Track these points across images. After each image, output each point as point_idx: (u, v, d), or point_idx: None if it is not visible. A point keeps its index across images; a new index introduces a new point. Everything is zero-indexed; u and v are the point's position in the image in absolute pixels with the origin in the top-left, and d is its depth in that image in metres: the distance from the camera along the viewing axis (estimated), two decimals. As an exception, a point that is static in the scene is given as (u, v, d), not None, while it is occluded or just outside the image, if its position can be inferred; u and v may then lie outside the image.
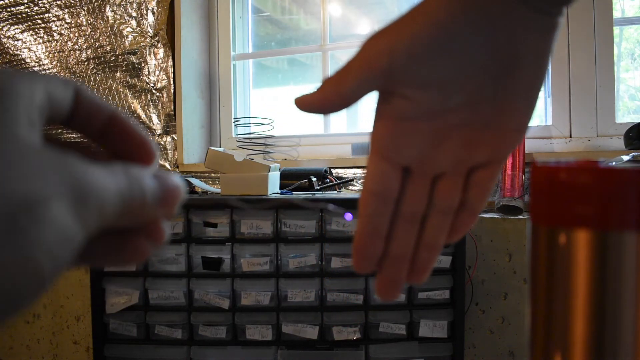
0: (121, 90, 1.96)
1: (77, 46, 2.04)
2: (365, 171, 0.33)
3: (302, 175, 1.52)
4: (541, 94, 0.31)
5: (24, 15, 2.11)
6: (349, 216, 1.21)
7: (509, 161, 1.44)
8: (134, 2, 1.93)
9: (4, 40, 2.14)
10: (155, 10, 1.90)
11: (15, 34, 2.14)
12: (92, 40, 2.01)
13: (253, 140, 1.87)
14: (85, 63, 2.02)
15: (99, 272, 1.28)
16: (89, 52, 2.02)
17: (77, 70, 2.03)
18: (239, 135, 1.92)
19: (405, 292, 1.23)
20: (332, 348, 1.24)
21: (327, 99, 0.30)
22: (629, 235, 0.20)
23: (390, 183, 0.32)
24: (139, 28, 1.93)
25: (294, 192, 1.43)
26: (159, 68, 1.91)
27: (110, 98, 1.96)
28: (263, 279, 1.25)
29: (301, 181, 1.49)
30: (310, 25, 1.99)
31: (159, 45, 1.90)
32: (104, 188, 0.18)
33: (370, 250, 0.33)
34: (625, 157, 1.23)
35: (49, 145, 0.17)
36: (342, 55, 1.91)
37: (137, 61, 1.94)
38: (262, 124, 1.87)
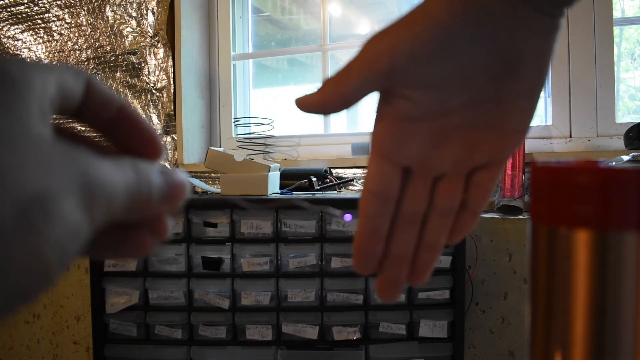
0: (121, 90, 1.96)
1: (77, 46, 2.04)
2: (365, 171, 0.33)
3: (302, 175, 1.52)
4: (541, 94, 0.31)
5: (24, 15, 2.11)
6: (348, 217, 1.21)
7: (509, 161, 1.44)
8: (134, 2, 1.93)
9: (4, 40, 2.14)
10: (155, 10, 1.90)
11: (15, 34, 2.14)
12: (92, 40, 2.01)
13: (253, 140, 1.87)
14: (85, 63, 2.02)
15: (99, 272, 1.28)
16: (89, 52, 2.02)
17: (77, 70, 2.03)
18: (239, 135, 1.92)
19: (405, 292, 1.23)
20: (332, 348, 1.24)
21: (327, 100, 0.30)
22: (629, 235, 0.20)
23: (391, 183, 0.32)
24: (139, 28, 1.93)
25: (294, 192, 1.43)
26: (159, 68, 1.91)
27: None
28: (263, 279, 1.25)
29: (301, 181, 1.49)
30: (310, 25, 1.99)
31: (159, 45, 1.90)
32: (112, 183, 0.18)
33: (370, 251, 0.33)
34: (625, 157, 1.23)
35: (59, 137, 0.17)
36: (342, 55, 1.91)
37: (137, 61, 1.94)
38: (262, 124, 1.87)
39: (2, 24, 2.14)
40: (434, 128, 0.31)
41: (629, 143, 1.34)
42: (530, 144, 1.55)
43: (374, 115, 0.32)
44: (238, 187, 1.33)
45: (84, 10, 2.01)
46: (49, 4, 2.07)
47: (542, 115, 1.61)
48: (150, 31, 1.91)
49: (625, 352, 0.20)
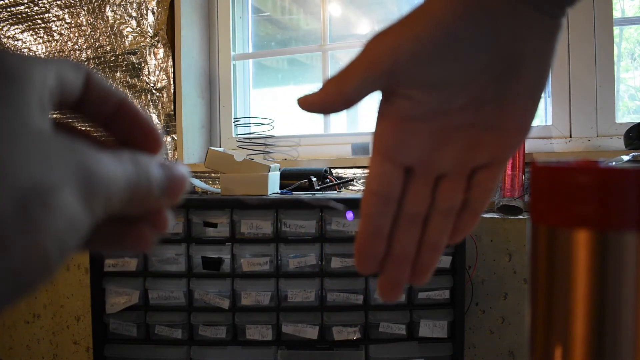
0: (121, 90, 1.96)
1: (77, 46, 2.04)
2: (367, 171, 0.33)
3: (302, 175, 1.52)
4: (542, 94, 0.31)
5: (24, 15, 2.11)
6: (350, 216, 1.21)
7: (509, 161, 1.44)
8: (134, 2, 1.93)
9: (4, 40, 2.14)
10: (155, 10, 1.90)
11: (15, 34, 2.14)
12: (92, 40, 2.01)
13: (253, 140, 1.87)
14: (85, 63, 2.02)
15: (99, 272, 1.28)
16: (89, 52, 2.02)
17: (77, 70, 2.03)
18: (239, 135, 1.92)
19: (405, 292, 1.23)
20: (332, 348, 1.24)
21: (329, 99, 0.30)
22: (629, 235, 0.20)
23: (393, 183, 0.32)
24: (139, 28, 1.93)
25: (294, 192, 1.43)
26: (159, 68, 1.91)
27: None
28: (263, 279, 1.25)
29: (301, 181, 1.50)
30: (310, 25, 1.99)
31: (159, 45, 1.90)
32: (112, 176, 0.18)
33: (372, 251, 0.33)
34: (625, 157, 1.23)
35: (58, 131, 0.17)
36: (342, 55, 1.91)
37: (137, 61, 1.94)
38: (262, 124, 1.87)
39: (2, 24, 2.14)
40: (436, 128, 0.31)
41: (629, 143, 1.34)
42: (530, 144, 1.55)
43: (375, 115, 0.32)
44: (238, 187, 1.33)
45: (84, 10, 2.01)
46: (49, 4, 2.07)
47: (542, 115, 1.61)
48: (150, 31, 1.91)
49: (625, 352, 0.20)
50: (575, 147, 1.53)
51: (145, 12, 1.92)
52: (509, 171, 1.43)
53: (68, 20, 2.05)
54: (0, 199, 0.14)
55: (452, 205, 0.33)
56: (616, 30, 1.56)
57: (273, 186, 1.36)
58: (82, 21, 2.02)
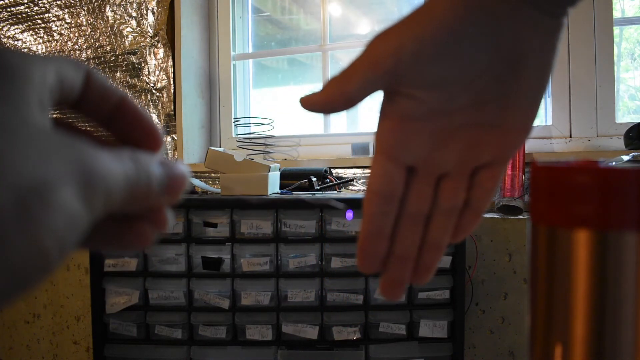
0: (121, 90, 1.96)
1: (77, 46, 2.04)
2: (369, 171, 0.33)
3: (302, 175, 1.52)
4: (544, 94, 0.31)
5: (24, 15, 2.11)
6: (349, 215, 1.21)
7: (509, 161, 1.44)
8: (134, 2, 1.93)
9: (4, 40, 2.14)
10: (155, 10, 1.90)
11: (15, 34, 2.14)
12: (92, 40, 2.01)
13: (253, 140, 1.87)
14: (85, 63, 2.01)
15: (99, 272, 1.28)
16: (89, 52, 2.02)
17: (77, 70, 2.03)
18: (239, 135, 1.92)
19: (405, 292, 1.23)
20: (332, 348, 1.24)
21: (332, 99, 0.30)
22: (629, 235, 0.20)
23: (395, 183, 0.32)
24: (139, 28, 1.93)
25: (294, 192, 1.43)
26: (159, 68, 1.91)
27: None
28: (263, 279, 1.25)
29: (301, 181, 1.50)
30: (310, 25, 1.99)
31: (159, 45, 1.90)
32: (111, 173, 0.18)
33: (374, 250, 0.33)
34: (625, 157, 1.23)
35: (58, 129, 0.17)
36: (342, 55, 1.91)
37: (137, 61, 1.94)
38: (262, 124, 1.87)
39: (2, 24, 2.15)
40: (438, 127, 0.31)
41: (629, 143, 1.34)
42: (530, 144, 1.55)
43: (378, 114, 0.32)
44: (238, 187, 1.33)
45: (84, 10, 2.01)
46: (49, 4, 2.07)
47: (542, 115, 1.61)
48: (150, 31, 1.91)
49: (625, 352, 0.20)
50: (575, 147, 1.53)
51: (145, 12, 1.92)
52: (509, 171, 1.43)
53: (68, 20, 2.05)
54: None
55: (454, 204, 0.33)
56: (616, 30, 1.56)
57: (273, 186, 1.36)
58: (82, 21, 2.02)
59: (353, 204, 1.19)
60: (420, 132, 0.31)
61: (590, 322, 0.21)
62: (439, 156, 0.32)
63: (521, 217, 1.42)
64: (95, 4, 1.99)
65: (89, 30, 2.01)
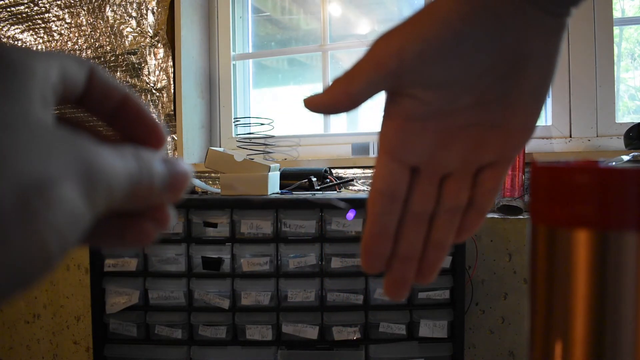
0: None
1: (77, 46, 2.04)
2: (373, 171, 0.33)
3: (302, 175, 1.52)
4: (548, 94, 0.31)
5: (24, 15, 2.11)
6: (349, 215, 1.21)
7: (509, 161, 1.44)
8: (134, 2, 1.93)
9: (4, 40, 2.14)
10: (155, 10, 1.90)
11: (15, 34, 2.14)
12: (92, 40, 2.01)
13: (253, 140, 1.87)
14: (86, 63, 2.02)
15: (99, 272, 1.28)
16: (89, 52, 2.02)
17: (77, 70, 2.03)
18: (239, 135, 1.92)
19: (409, 291, 1.23)
20: (332, 348, 1.24)
21: (335, 100, 0.30)
22: (629, 235, 0.20)
23: (399, 182, 0.32)
24: (139, 28, 1.93)
25: (293, 192, 1.43)
26: (159, 68, 1.91)
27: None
28: (263, 279, 1.25)
29: (301, 181, 1.50)
30: (310, 25, 1.99)
31: (159, 45, 1.90)
32: (114, 170, 0.18)
33: (378, 250, 0.33)
34: (625, 157, 1.23)
35: (60, 125, 0.17)
36: (342, 55, 1.91)
37: (137, 61, 1.94)
38: (262, 124, 1.87)
39: (2, 24, 2.15)
40: (441, 127, 0.31)
41: (629, 143, 1.34)
42: (530, 144, 1.55)
43: (381, 115, 0.32)
44: (238, 187, 1.33)
45: (84, 10, 2.01)
46: (49, 4, 2.07)
47: (542, 115, 1.61)
48: (150, 31, 1.91)
49: (625, 352, 0.20)
50: (575, 147, 1.53)
51: (145, 12, 1.92)
52: (509, 171, 1.43)
53: (68, 20, 2.05)
54: (0, 191, 0.14)
55: (458, 204, 0.33)
56: (616, 30, 1.56)
57: (273, 186, 1.36)
58: (82, 21, 2.02)
59: (353, 203, 1.19)
60: (424, 132, 0.31)
61: (590, 322, 0.21)
62: (442, 156, 0.32)
63: (521, 217, 1.42)
64: (95, 4, 1.99)
65: (89, 30, 2.01)
